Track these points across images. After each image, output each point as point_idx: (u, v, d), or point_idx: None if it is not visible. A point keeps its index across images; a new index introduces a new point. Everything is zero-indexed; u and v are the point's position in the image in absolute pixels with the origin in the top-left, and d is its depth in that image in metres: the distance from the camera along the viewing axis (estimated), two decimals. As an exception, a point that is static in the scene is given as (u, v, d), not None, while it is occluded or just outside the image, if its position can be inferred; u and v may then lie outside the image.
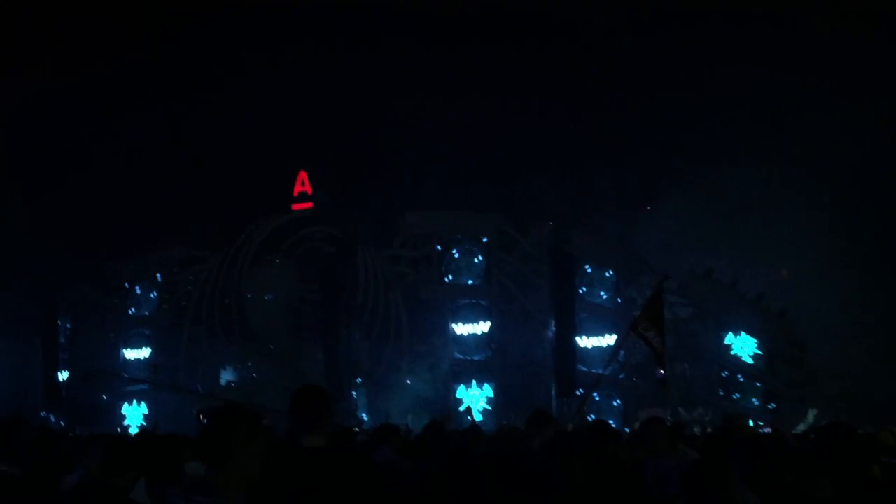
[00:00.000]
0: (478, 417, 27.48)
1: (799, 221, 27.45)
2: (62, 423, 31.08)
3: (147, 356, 32.64)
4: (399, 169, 34.97)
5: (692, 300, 28.49)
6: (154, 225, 34.97)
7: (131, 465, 4.28)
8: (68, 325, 33.85)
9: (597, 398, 27.66)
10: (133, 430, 27.64)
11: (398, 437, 7.58)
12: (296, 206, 33.18)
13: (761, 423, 22.88)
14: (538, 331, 29.47)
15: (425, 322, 30.53)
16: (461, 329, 30.16)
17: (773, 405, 27.84)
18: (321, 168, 34.07)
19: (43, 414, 31.61)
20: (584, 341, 28.89)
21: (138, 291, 33.79)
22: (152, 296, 33.78)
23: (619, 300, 29.81)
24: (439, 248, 30.85)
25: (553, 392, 27.75)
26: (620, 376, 28.31)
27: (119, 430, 23.98)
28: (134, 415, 31.58)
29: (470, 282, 30.91)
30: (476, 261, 30.81)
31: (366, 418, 28.55)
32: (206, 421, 4.33)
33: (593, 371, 26.17)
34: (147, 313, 33.58)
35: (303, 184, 33.25)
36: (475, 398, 29.25)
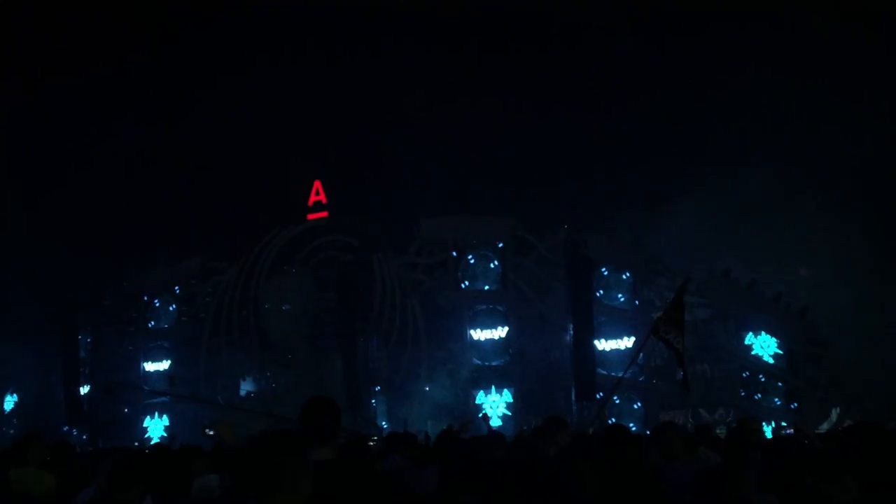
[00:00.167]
0: (497, 423, 27.41)
1: (817, 219, 27.23)
2: (85, 437, 31.30)
3: (167, 368, 32.82)
4: (413, 176, 35.07)
5: (711, 301, 28.28)
6: (171, 238, 35.25)
7: (138, 481, 4.27)
8: (88, 340, 34.10)
9: (617, 401, 27.51)
10: (155, 443, 27.75)
11: (411, 444, 7.53)
12: (311, 216, 33.27)
13: (784, 424, 22.67)
14: (556, 335, 29.33)
15: (443, 328, 30.47)
16: (479, 335, 30.09)
17: (796, 405, 27.56)
18: (336, 177, 34.20)
19: (66, 429, 31.82)
20: (603, 344, 28.72)
21: (157, 304, 33.98)
22: (171, 308, 33.94)
23: (636, 302, 29.63)
24: (455, 253, 30.79)
25: (573, 396, 27.61)
26: (640, 379, 28.12)
27: (137, 443, 24.00)
28: (156, 427, 31.73)
29: (486, 287, 30.82)
30: (492, 266, 30.74)
31: (385, 426, 28.51)
32: (211, 433, 4.33)
33: (613, 374, 26.00)
34: (166, 326, 33.75)
35: (317, 193, 33.36)
36: (494, 404, 29.16)
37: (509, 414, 28.99)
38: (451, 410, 27.10)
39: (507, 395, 29.40)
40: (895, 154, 29.95)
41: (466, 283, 30.82)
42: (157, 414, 31.95)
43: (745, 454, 4.39)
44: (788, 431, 16.94)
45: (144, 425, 31.93)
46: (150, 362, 33.15)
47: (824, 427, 24.21)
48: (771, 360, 28.28)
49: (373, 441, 14.15)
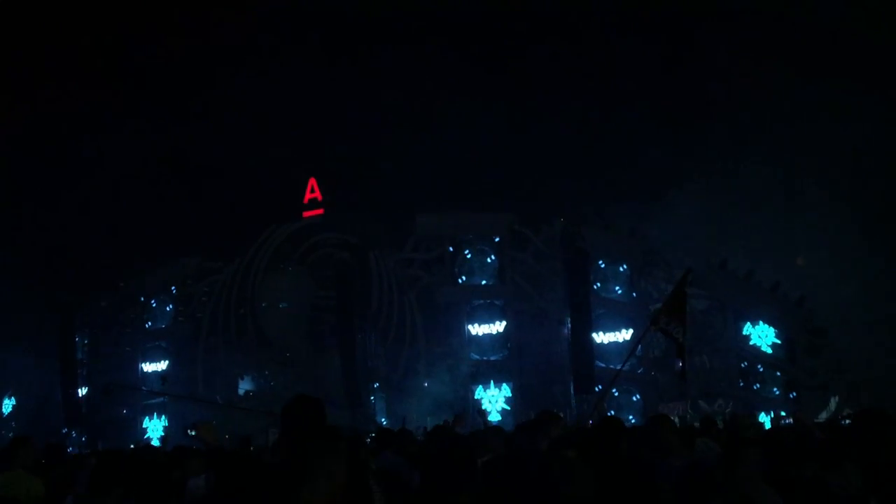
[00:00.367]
0: (496, 418, 27.38)
1: (814, 209, 27.22)
2: (84, 438, 31.25)
3: (165, 368, 32.77)
4: (408, 172, 35.00)
5: (708, 291, 28.24)
6: (168, 238, 35.17)
7: (118, 484, 4.18)
8: (86, 341, 33.99)
9: (616, 394, 27.51)
10: (155, 443, 27.67)
11: (407, 441, 7.45)
12: (307, 214, 33.20)
13: (783, 413, 22.67)
14: (554, 328, 29.31)
15: (441, 324, 30.45)
16: (477, 329, 30.06)
17: (794, 394, 27.54)
18: (331, 174, 34.11)
19: (64, 431, 31.76)
20: (601, 337, 28.69)
21: (154, 305, 33.92)
22: (168, 308, 33.89)
23: (633, 294, 29.61)
24: (451, 249, 30.75)
25: (571, 389, 27.58)
26: (639, 371, 28.12)
27: (133, 445, 23.92)
28: (155, 428, 31.67)
29: (484, 282, 30.79)
30: (489, 260, 30.70)
31: (385, 423, 28.46)
32: (193, 434, 4.26)
33: (611, 367, 25.99)
34: (163, 326, 33.71)
35: (313, 190, 33.29)
36: (493, 398, 29.14)
37: (508, 408, 28.96)
38: (451, 406, 27.03)
39: (506, 390, 29.37)
40: (892, 144, 29.90)
41: (464, 278, 30.79)
42: (155, 414, 31.89)
43: (739, 450, 4.31)
44: (787, 421, 16.92)
45: (143, 426, 31.87)
46: (147, 363, 33.11)
47: (823, 416, 24.21)
48: (769, 350, 28.27)
49: (370, 438, 14.09)
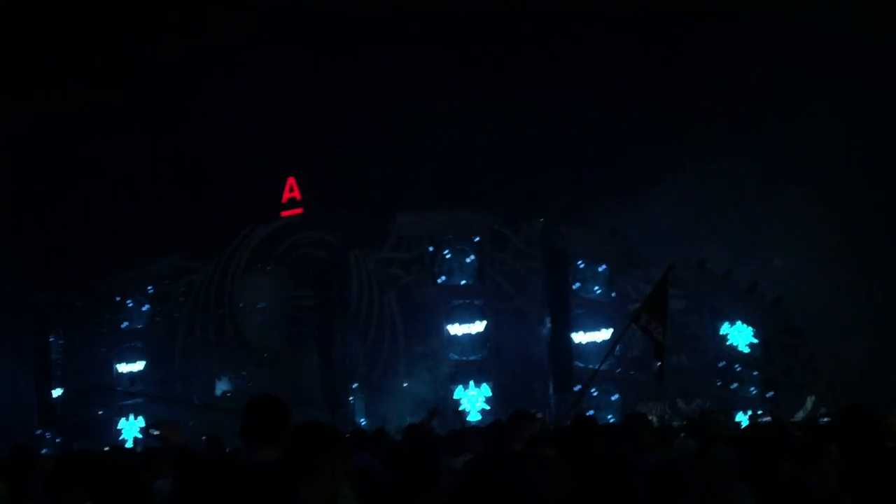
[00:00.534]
0: (476, 418, 27.37)
1: (791, 208, 27.39)
2: (58, 440, 30.89)
3: (141, 369, 32.46)
4: (387, 171, 34.89)
5: (686, 291, 28.31)
6: (144, 237, 34.81)
7: (76, 487, 4.08)
8: (61, 342, 33.56)
9: (595, 393, 27.57)
10: (129, 445, 27.40)
11: (383, 441, 7.39)
12: (285, 213, 33.03)
13: (759, 412, 22.81)
14: (533, 328, 29.33)
15: (420, 324, 30.37)
16: (456, 329, 30.00)
17: (772, 393, 27.72)
18: (309, 173, 33.95)
19: (39, 432, 31.40)
20: (580, 337, 28.73)
21: (130, 304, 33.53)
22: (144, 308, 33.53)
23: (612, 294, 29.70)
24: (431, 248, 30.67)
25: (551, 389, 27.60)
26: (618, 370, 28.20)
27: (107, 447, 23.69)
28: (130, 429, 31.34)
29: (463, 282, 30.74)
30: (468, 260, 30.65)
31: (364, 423, 28.36)
32: (156, 433, 4.19)
33: (590, 367, 25.99)
34: (140, 326, 33.33)
35: (291, 189, 33.12)
36: (473, 398, 29.11)
37: (488, 408, 28.93)
38: (430, 406, 26.95)
39: (486, 390, 29.34)
40: (871, 143, 30.20)
41: (443, 277, 30.71)
42: (131, 415, 31.54)
43: (709, 446, 4.29)
44: (765, 419, 17.01)
45: (119, 427, 31.53)
46: (123, 363, 32.71)
47: (800, 415, 24.41)
48: (746, 350, 28.43)
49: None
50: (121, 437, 30.81)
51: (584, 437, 4.92)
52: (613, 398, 28.43)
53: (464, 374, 29.47)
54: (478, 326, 30.01)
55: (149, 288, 33.42)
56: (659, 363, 12.10)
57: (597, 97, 36.99)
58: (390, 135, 37.09)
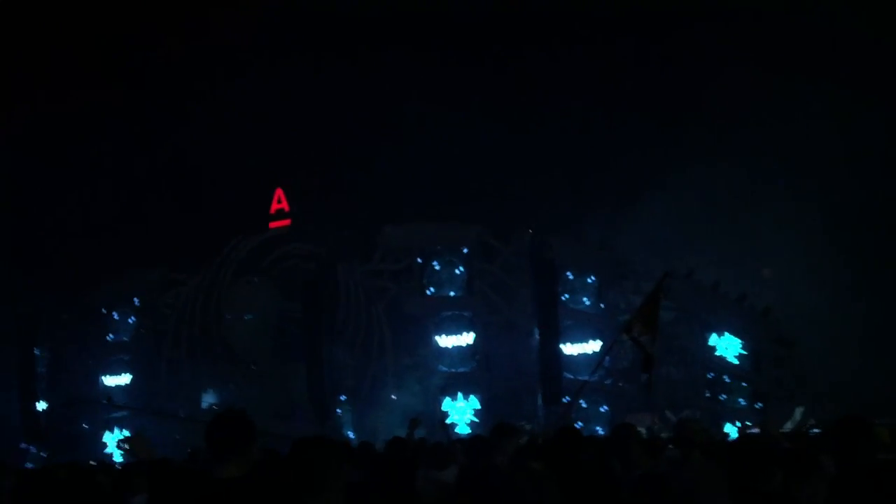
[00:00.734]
0: (465, 430, 27.23)
1: (780, 218, 27.46)
2: (43, 454, 30.57)
3: (127, 382, 32.19)
4: (375, 182, 34.84)
5: (675, 302, 28.24)
6: (130, 249, 34.63)
7: None
8: (46, 355, 33.28)
9: (584, 405, 27.48)
10: (116, 458, 27.12)
11: (366, 454, 7.29)
12: (273, 224, 32.87)
13: (748, 423, 22.77)
14: (522, 340, 29.24)
15: (409, 336, 30.23)
16: (445, 341, 29.88)
17: (760, 405, 27.69)
18: (298, 185, 33.84)
19: (23, 445, 31.10)
20: (569, 348, 28.67)
21: (116, 317, 33.32)
22: (130, 321, 33.32)
23: (601, 305, 29.66)
24: (420, 260, 30.58)
25: (540, 400, 27.51)
26: (607, 382, 28.12)
27: (92, 461, 23.45)
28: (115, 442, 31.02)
29: (452, 293, 30.64)
30: (457, 272, 30.57)
31: (352, 436, 28.18)
32: (127, 447, 4.15)
33: (579, 378, 25.90)
34: (126, 339, 33.12)
35: (279, 201, 32.99)
36: (461, 410, 28.97)
37: (477, 420, 28.80)
38: (421, 418, 26.77)
39: (475, 402, 29.21)
40: (860, 153, 30.33)
41: (432, 289, 30.62)
42: (116, 428, 31.23)
43: (687, 454, 4.21)
44: (753, 431, 16.94)
45: (104, 440, 31.23)
46: (109, 376, 32.45)
47: (788, 426, 24.37)
48: (735, 361, 28.41)
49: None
50: (106, 451, 30.49)
51: (568, 447, 4.83)
52: (602, 409, 28.36)
53: (452, 386, 29.34)
54: (466, 338, 29.89)
55: (135, 300, 33.21)
56: (647, 375, 12.02)
57: (585, 108, 37.10)
58: (378, 146, 37.09)
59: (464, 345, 29.90)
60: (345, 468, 3.47)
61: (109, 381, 32.34)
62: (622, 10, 36.66)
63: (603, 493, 4.25)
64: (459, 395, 29.19)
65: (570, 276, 29.69)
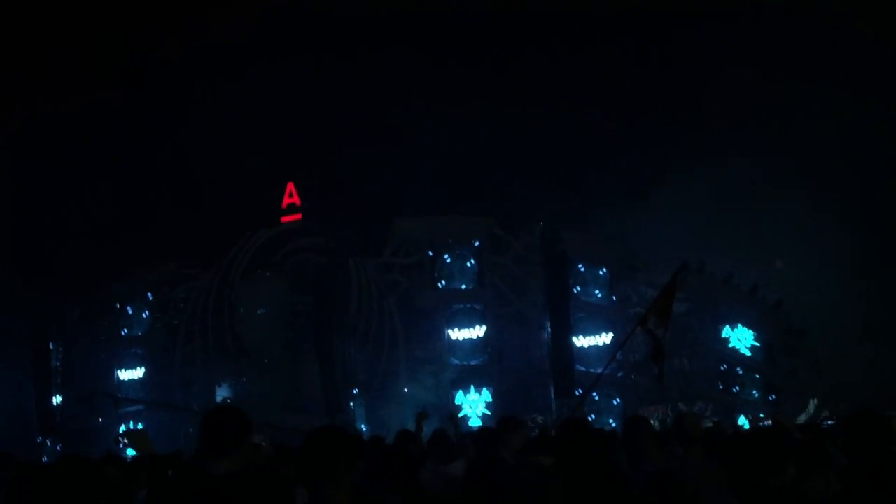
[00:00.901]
0: (477, 423, 27.22)
1: (792, 210, 27.31)
2: (58, 447, 30.79)
3: (141, 376, 32.38)
4: (387, 176, 34.86)
5: (687, 294, 28.19)
6: (144, 244, 34.79)
7: (37, 499, 3.99)
8: (61, 349, 33.51)
9: (596, 398, 27.43)
10: (130, 452, 27.26)
11: (376, 448, 7.29)
12: (285, 219, 32.92)
13: (761, 416, 22.70)
14: (534, 332, 29.22)
15: (420, 329, 30.25)
16: (457, 334, 29.88)
17: (773, 397, 27.59)
18: (309, 179, 33.88)
19: (39, 439, 31.31)
20: (581, 341, 28.62)
21: (130, 312, 33.49)
22: (144, 315, 33.48)
23: (613, 298, 29.57)
24: (431, 253, 30.57)
25: (552, 393, 27.49)
26: (619, 375, 28.06)
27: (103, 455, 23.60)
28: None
29: (463, 286, 30.61)
30: (468, 265, 30.54)
31: (364, 429, 28.25)
32: (125, 443, 4.17)
33: (591, 371, 25.92)
34: (140, 333, 33.28)
35: (291, 195, 33.02)
36: (474, 403, 28.98)
37: (489, 413, 28.80)
38: (433, 411, 26.81)
39: (487, 395, 29.21)
40: (872, 146, 30.13)
41: (443, 282, 30.60)
42: (131, 422, 31.38)
43: (687, 449, 4.19)
44: (766, 423, 16.89)
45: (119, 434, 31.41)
46: (124, 370, 32.64)
47: (802, 418, 24.28)
48: (748, 353, 28.31)
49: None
50: (121, 445, 30.65)
51: (574, 439, 4.80)
52: (615, 402, 28.29)
53: (464, 379, 29.35)
54: (478, 331, 29.88)
55: (148, 295, 33.36)
56: (658, 366, 11.97)
57: (596, 100, 37.06)
58: (389, 139, 37.12)
59: (475, 338, 29.89)
60: (357, 461, 3.50)
61: (124, 375, 32.55)
62: (625, 9, 36.53)
63: (608, 489, 4.23)
64: (472, 388, 29.18)
65: (582, 269, 29.61)
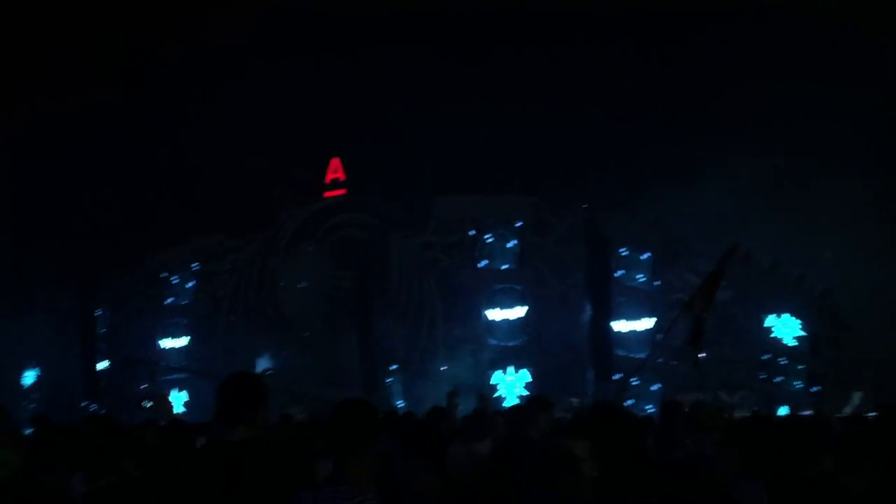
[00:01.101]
0: (514, 403, 27.19)
1: (841, 199, 26.69)
2: (103, 412, 31.50)
3: (185, 344, 32.94)
4: (431, 154, 34.77)
5: (731, 282, 27.72)
6: (190, 216, 35.26)
7: (61, 459, 4.03)
8: (108, 316, 34.22)
9: (635, 383, 27.20)
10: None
11: (407, 425, 7.30)
12: (328, 194, 33.12)
13: (803, 406, 22.34)
14: (574, 315, 28.96)
15: (460, 308, 30.25)
16: (495, 315, 29.82)
17: (818, 388, 27.11)
18: (354, 154, 33.99)
19: (84, 404, 32.06)
20: (622, 325, 28.37)
21: (175, 281, 34.02)
22: (189, 286, 33.99)
23: (656, 283, 29.24)
24: (472, 232, 30.49)
25: (590, 376, 27.32)
26: (659, 360, 27.77)
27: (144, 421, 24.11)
28: (176, 402, 31.80)
29: (504, 267, 30.50)
30: (509, 245, 30.42)
31: (402, 405, 28.41)
32: (148, 405, 4.20)
33: (631, 355, 25.71)
34: (184, 303, 33.81)
35: (335, 171, 33.18)
36: (511, 384, 28.95)
37: (527, 393, 28.74)
38: (468, 390, 26.84)
39: (526, 375, 29.15)
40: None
41: (484, 262, 30.52)
42: (174, 390, 32.01)
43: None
44: (806, 413, 16.57)
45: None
46: (167, 338, 33.24)
47: (847, 411, 23.81)
48: (793, 343, 27.83)
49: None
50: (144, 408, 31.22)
51: (603, 423, 4.71)
52: (654, 388, 28.03)
53: (502, 359, 29.32)
54: (518, 312, 29.79)
55: (193, 265, 33.85)
56: (694, 352, 11.69)
57: (647, 87, 36.45)
58: (435, 119, 36.98)
59: (514, 318, 29.80)
60: (380, 435, 3.52)
61: (167, 343, 33.13)
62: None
63: (634, 473, 4.15)
64: (511, 368, 29.14)
65: (625, 253, 29.31)
